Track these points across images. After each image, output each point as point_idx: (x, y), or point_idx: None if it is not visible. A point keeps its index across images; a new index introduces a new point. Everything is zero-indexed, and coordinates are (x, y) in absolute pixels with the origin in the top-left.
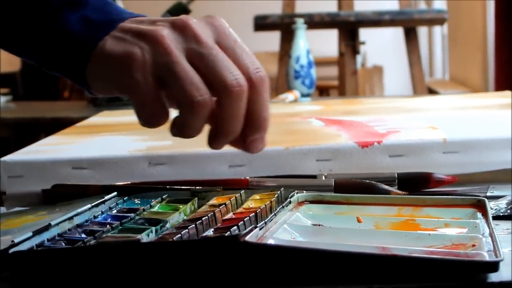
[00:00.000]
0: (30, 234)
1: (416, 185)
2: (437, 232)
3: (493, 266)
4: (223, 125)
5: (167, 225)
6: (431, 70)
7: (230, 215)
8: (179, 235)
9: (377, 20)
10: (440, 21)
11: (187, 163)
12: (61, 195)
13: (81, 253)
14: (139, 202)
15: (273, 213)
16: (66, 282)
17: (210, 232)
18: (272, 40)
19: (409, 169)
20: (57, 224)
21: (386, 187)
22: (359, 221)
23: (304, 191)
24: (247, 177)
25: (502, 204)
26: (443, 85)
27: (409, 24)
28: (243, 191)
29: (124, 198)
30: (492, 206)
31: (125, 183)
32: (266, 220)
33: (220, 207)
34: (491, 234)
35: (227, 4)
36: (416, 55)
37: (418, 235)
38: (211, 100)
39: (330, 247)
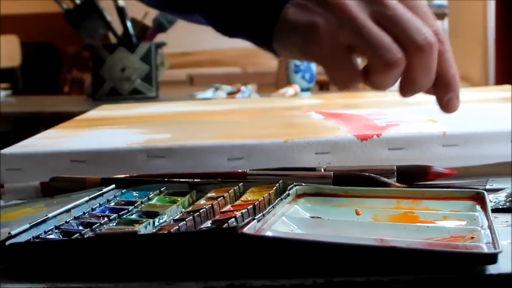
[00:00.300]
0: (27, 226)
1: (415, 178)
2: (436, 225)
3: (492, 258)
4: (415, 81)
5: (165, 218)
6: None
7: (228, 207)
8: (177, 227)
9: None
10: (440, 16)
11: (185, 156)
12: (59, 187)
13: (78, 245)
14: (137, 194)
15: (271, 206)
16: (63, 274)
17: (208, 224)
18: None
19: (408, 162)
20: (55, 216)
21: (385, 179)
22: (357, 213)
23: (303, 184)
24: (246, 170)
25: (501, 197)
26: None
27: None
28: (241, 183)
29: (122, 191)
30: (491, 199)
31: (123, 175)
32: (264, 212)
33: (218, 200)
34: (490, 227)
35: None
36: None
37: (417, 228)
38: (403, 59)
39: (328, 239)
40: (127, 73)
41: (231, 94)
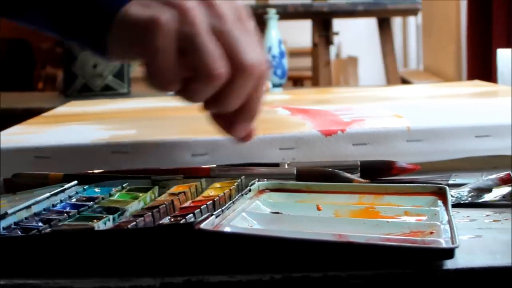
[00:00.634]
0: None
1: (379, 173)
2: (396, 220)
3: (449, 253)
4: (226, 99)
5: (126, 214)
6: (405, 60)
7: (188, 203)
8: (135, 223)
9: (351, 11)
10: (413, 12)
11: (149, 152)
12: (22, 184)
13: (34, 241)
14: (99, 190)
15: (231, 201)
16: (20, 270)
17: (166, 220)
18: None
19: (373, 157)
20: (14, 212)
21: (348, 175)
22: (318, 209)
23: (266, 180)
24: (209, 166)
25: (463, 192)
26: (417, 76)
27: (383, 15)
28: (204, 179)
29: (84, 187)
30: (453, 194)
31: (87, 171)
32: (223, 208)
33: (179, 195)
34: (450, 222)
35: None
36: (389, 45)
37: (377, 223)
38: (226, 75)
39: (286, 234)
40: (99, 70)
41: None
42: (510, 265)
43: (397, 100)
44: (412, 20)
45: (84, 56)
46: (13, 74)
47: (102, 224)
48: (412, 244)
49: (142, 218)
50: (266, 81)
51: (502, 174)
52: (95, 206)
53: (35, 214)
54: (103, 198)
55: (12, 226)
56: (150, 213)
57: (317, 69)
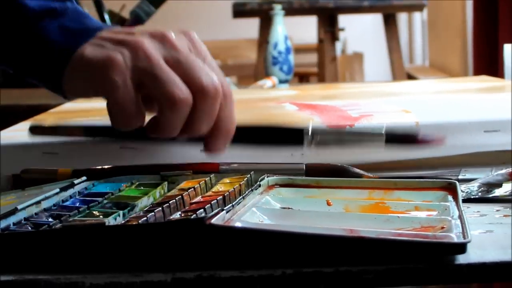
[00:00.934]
0: None
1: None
2: (407, 215)
3: (461, 248)
4: (195, 123)
5: (136, 209)
6: (411, 56)
7: (198, 199)
8: (145, 218)
9: (356, 7)
10: (419, 7)
11: (158, 147)
12: (31, 179)
13: (46, 237)
14: (109, 186)
15: (241, 196)
16: (32, 266)
17: (177, 215)
18: (252, 26)
19: (381, 152)
20: (24, 208)
21: (358, 170)
22: (328, 204)
23: (275, 175)
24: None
25: (473, 187)
26: (422, 71)
27: (388, 10)
28: (213, 175)
29: (94, 183)
30: (463, 189)
31: (95, 167)
32: (233, 203)
33: (189, 191)
34: (460, 217)
35: None
36: (395, 41)
37: (388, 218)
38: (190, 99)
39: (297, 229)
40: None
41: None
42: None
43: (404, 96)
44: (417, 16)
45: None
46: None
47: (112, 220)
48: (424, 239)
49: (153, 213)
50: (232, 100)
51: (511, 169)
52: (105, 201)
53: (45, 210)
54: (112, 194)
55: (22, 221)
56: (161, 209)
57: (323, 65)
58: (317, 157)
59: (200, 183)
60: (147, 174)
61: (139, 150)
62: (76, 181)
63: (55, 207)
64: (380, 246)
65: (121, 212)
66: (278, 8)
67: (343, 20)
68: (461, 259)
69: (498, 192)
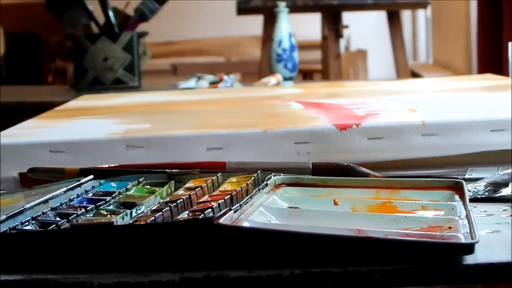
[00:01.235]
0: (4, 217)
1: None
2: (414, 215)
3: (469, 248)
4: None
5: (143, 208)
6: (415, 53)
7: (205, 198)
8: (153, 217)
9: (360, 4)
10: (423, 5)
11: (164, 146)
12: (38, 178)
13: (54, 236)
14: (116, 185)
15: (248, 196)
16: (40, 265)
17: (184, 215)
18: (256, 24)
19: (388, 152)
20: (32, 207)
21: (364, 169)
22: (335, 203)
23: (282, 174)
24: (225, 160)
25: (480, 186)
26: (426, 69)
27: (392, 8)
28: (220, 174)
29: (101, 181)
30: (470, 189)
31: (102, 166)
32: (241, 203)
33: (196, 190)
34: (468, 217)
35: None
36: (399, 38)
37: (395, 218)
38: None
39: (305, 229)
40: (110, 63)
41: (213, 84)
42: None
43: (410, 94)
44: (421, 13)
45: (94, 49)
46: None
47: (120, 219)
48: (431, 240)
49: (161, 213)
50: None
51: None
52: (112, 201)
53: (53, 209)
54: (120, 193)
55: (30, 220)
56: (168, 208)
57: (326, 62)
58: (323, 156)
59: (207, 182)
60: (154, 173)
61: (145, 149)
62: (83, 180)
63: (62, 206)
64: (387, 246)
65: (128, 212)
66: (282, 6)
67: (347, 17)
68: (469, 259)
69: (505, 192)
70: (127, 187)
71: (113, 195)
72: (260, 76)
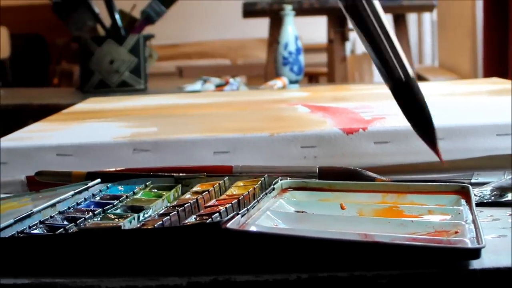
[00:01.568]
0: (12, 221)
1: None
2: (420, 219)
3: (475, 253)
4: None
5: (150, 212)
6: (420, 57)
7: (213, 202)
8: (161, 222)
9: None
10: (429, 8)
11: (171, 150)
12: (45, 182)
13: (62, 240)
14: (123, 189)
15: (256, 200)
16: (48, 269)
17: (192, 219)
18: (262, 26)
19: (394, 156)
20: (39, 211)
21: (371, 174)
22: (342, 208)
23: (289, 178)
24: (232, 164)
25: (486, 191)
26: (432, 72)
27: (398, 11)
28: (227, 178)
29: (108, 185)
30: (476, 193)
31: (109, 169)
32: (248, 207)
33: (203, 194)
34: (474, 221)
35: None
36: (405, 42)
37: (401, 222)
38: None
39: (311, 234)
40: (116, 66)
41: (219, 87)
42: None
43: None
44: (427, 16)
45: (101, 52)
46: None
47: (128, 223)
48: (438, 244)
49: (168, 217)
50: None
51: None
52: (120, 204)
53: (60, 213)
54: (127, 197)
55: (38, 224)
56: (176, 212)
57: (332, 65)
58: (330, 160)
59: (214, 186)
60: (161, 176)
61: (152, 153)
62: (90, 184)
63: (70, 210)
64: (394, 251)
65: (136, 215)
66: (288, 8)
67: None
68: (475, 264)
69: (511, 196)
70: (134, 190)
71: (120, 199)
72: (266, 79)
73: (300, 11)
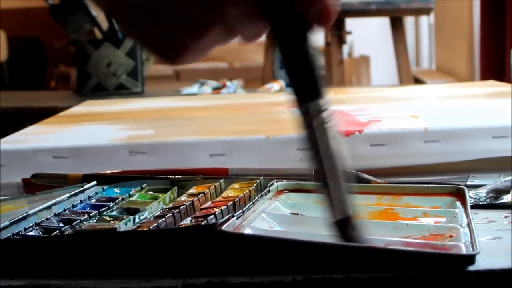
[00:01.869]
0: (8, 223)
1: None
2: (415, 222)
3: (470, 259)
4: None
5: (146, 214)
6: (417, 60)
7: (208, 204)
8: (156, 224)
9: (364, 10)
10: (426, 11)
11: (167, 152)
12: (41, 184)
13: (57, 242)
14: (119, 191)
15: (251, 202)
16: (43, 271)
17: (187, 221)
18: None
19: (390, 158)
20: (35, 213)
21: (367, 176)
22: None
23: (284, 180)
24: (228, 167)
25: (481, 193)
26: (429, 75)
27: (395, 14)
28: (222, 180)
29: (104, 187)
30: (471, 195)
31: (105, 172)
32: (244, 209)
33: (199, 196)
34: (469, 225)
35: None
36: (402, 45)
37: (396, 225)
38: None
39: (306, 237)
40: (113, 69)
41: (216, 90)
42: None
43: (412, 101)
44: (424, 19)
45: (98, 55)
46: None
47: (123, 225)
48: (433, 250)
49: (164, 219)
50: None
51: None
52: (115, 206)
53: (56, 215)
54: (122, 199)
55: (34, 226)
56: (171, 214)
57: (329, 68)
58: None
59: (210, 188)
60: (156, 179)
61: (148, 155)
62: (86, 186)
63: (65, 212)
64: (388, 255)
65: (131, 218)
66: None
67: (350, 23)
68: (470, 266)
69: (506, 198)
70: (130, 193)
71: (116, 201)
72: (263, 82)
73: None
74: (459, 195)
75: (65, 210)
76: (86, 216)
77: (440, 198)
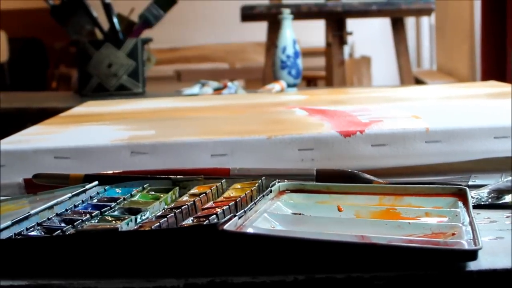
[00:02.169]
0: (9, 223)
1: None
2: (418, 221)
3: (472, 255)
4: None
5: (147, 214)
6: (418, 60)
7: (210, 204)
8: (158, 223)
9: (365, 11)
10: (427, 12)
11: (169, 153)
12: (43, 184)
13: (59, 242)
14: (120, 191)
15: (253, 202)
16: (45, 271)
17: (189, 221)
18: (260, 30)
19: (391, 159)
20: (37, 213)
21: (368, 176)
22: (339, 210)
23: (286, 180)
24: (229, 167)
25: (483, 193)
26: (430, 76)
27: (396, 14)
28: (224, 180)
29: (105, 188)
30: (473, 195)
31: (106, 172)
32: (245, 209)
33: (201, 196)
34: (471, 223)
35: None
36: (403, 45)
37: (398, 224)
38: None
39: (309, 235)
40: (114, 69)
41: (217, 90)
42: None
43: (413, 101)
44: (425, 20)
45: (99, 56)
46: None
47: (125, 225)
48: (435, 246)
49: (165, 219)
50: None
51: None
52: (117, 206)
53: (58, 215)
54: (124, 199)
55: (35, 226)
56: (173, 214)
57: (330, 69)
58: (327, 162)
59: (212, 188)
60: (158, 179)
61: (149, 155)
62: (88, 186)
63: (67, 212)
64: (391, 252)
65: (133, 218)
66: (286, 12)
67: (351, 24)
68: (472, 265)
69: (508, 198)
70: (132, 193)
71: (117, 201)
72: (264, 83)
73: (298, 15)
74: (461, 195)
75: (66, 210)
76: (88, 216)
77: (442, 198)
